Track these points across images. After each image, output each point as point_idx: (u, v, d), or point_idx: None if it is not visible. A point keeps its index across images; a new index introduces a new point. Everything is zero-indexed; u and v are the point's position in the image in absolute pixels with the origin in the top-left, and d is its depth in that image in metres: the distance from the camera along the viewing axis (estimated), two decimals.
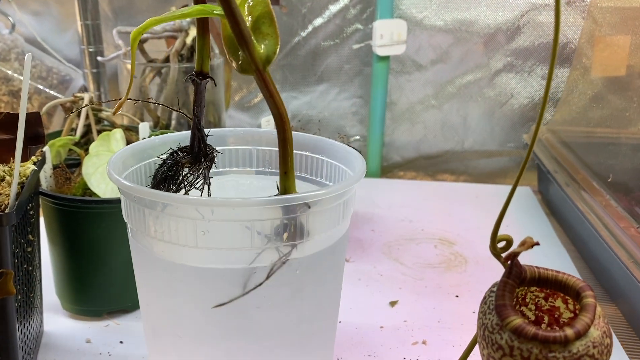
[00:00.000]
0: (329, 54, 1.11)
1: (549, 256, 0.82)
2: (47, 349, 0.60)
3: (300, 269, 0.41)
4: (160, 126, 0.88)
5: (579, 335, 0.32)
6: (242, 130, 0.55)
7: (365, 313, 0.68)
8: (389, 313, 0.68)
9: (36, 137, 0.50)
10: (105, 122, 0.82)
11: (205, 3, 0.39)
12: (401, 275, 0.77)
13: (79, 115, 0.78)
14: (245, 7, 0.39)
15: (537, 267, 0.37)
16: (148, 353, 0.49)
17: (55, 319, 0.65)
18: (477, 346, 0.41)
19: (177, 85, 0.88)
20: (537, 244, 0.34)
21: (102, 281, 0.63)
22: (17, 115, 0.48)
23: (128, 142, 0.72)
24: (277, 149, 0.51)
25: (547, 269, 0.37)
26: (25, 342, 0.52)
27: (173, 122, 0.90)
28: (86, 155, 0.68)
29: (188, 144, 0.53)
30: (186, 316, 0.42)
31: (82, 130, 0.76)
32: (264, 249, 0.40)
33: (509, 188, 1.06)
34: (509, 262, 0.36)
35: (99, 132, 0.78)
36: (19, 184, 0.49)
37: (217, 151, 0.45)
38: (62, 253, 0.63)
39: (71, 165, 0.70)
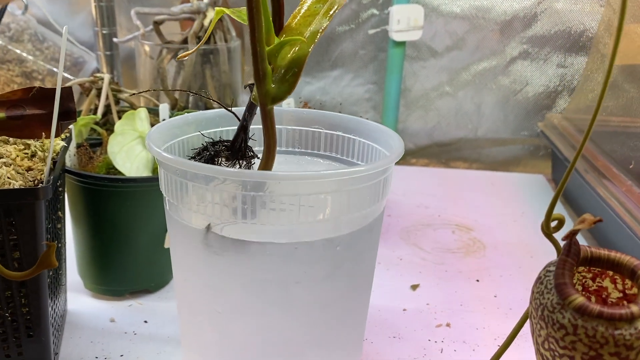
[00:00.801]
0: (343, 39, 1.10)
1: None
2: (72, 328, 0.59)
3: (341, 245, 0.41)
4: (178, 108, 0.87)
5: None
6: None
7: (387, 296, 0.68)
8: (411, 296, 0.68)
9: (68, 112, 0.49)
10: (124, 104, 0.81)
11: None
12: (421, 260, 0.77)
13: (98, 95, 0.77)
14: (293, 45, 0.40)
15: (588, 246, 0.37)
16: (180, 330, 0.49)
17: (78, 298, 0.65)
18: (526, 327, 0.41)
19: (194, 67, 0.87)
20: (601, 220, 0.34)
21: (125, 261, 0.63)
22: (49, 90, 0.48)
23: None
24: (304, 128, 0.54)
25: (598, 248, 0.37)
26: (54, 318, 0.52)
27: (190, 105, 0.89)
28: (108, 134, 0.68)
29: (218, 122, 0.53)
30: (226, 291, 0.42)
31: (103, 109, 0.75)
32: (308, 224, 0.39)
33: (523, 176, 1.07)
34: (567, 240, 0.35)
35: (118, 112, 0.78)
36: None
37: (257, 156, 0.45)
38: (85, 232, 0.63)
39: (93, 144, 0.69)
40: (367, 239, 0.44)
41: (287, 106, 0.79)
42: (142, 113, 0.65)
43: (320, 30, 0.40)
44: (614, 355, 0.31)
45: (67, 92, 0.49)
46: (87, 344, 0.57)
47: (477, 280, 0.72)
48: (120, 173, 0.62)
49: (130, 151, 0.62)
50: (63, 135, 0.56)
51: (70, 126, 0.63)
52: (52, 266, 0.38)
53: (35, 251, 0.44)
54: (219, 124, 0.53)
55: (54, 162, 0.49)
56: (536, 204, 0.96)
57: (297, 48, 0.39)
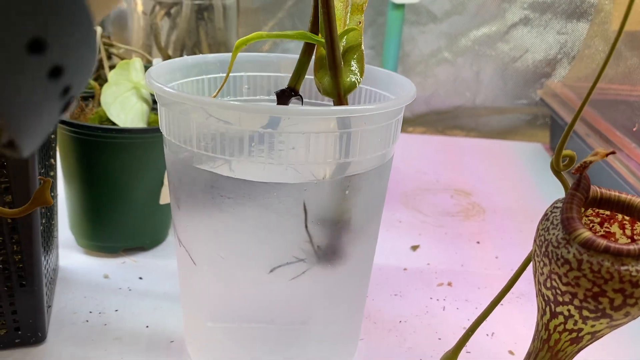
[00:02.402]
0: None
1: None
2: (65, 283, 0.57)
3: (350, 189, 0.40)
4: None
5: None
6: (260, 56, 0.52)
7: (387, 256, 0.66)
8: (411, 256, 0.67)
9: None
10: (116, 59, 0.78)
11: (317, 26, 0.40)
12: (420, 222, 0.75)
13: None
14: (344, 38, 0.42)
15: (598, 186, 0.36)
16: (180, 284, 0.47)
17: (70, 255, 0.63)
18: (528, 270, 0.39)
19: (189, 24, 0.84)
20: (614, 152, 0.33)
21: (119, 217, 0.61)
22: None
23: None
24: (307, 76, 0.51)
25: (608, 189, 0.36)
26: (47, 269, 0.50)
27: None
28: (100, 87, 0.65)
29: (220, 67, 0.51)
30: (231, 236, 0.40)
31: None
32: (317, 164, 0.38)
33: (521, 145, 1.06)
34: (577, 174, 0.34)
35: (110, 68, 0.75)
36: None
37: None
38: (77, 186, 0.60)
39: (84, 97, 0.67)
40: (376, 184, 0.42)
41: None
42: (137, 63, 0.62)
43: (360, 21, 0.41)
44: (618, 291, 0.30)
45: None
46: (80, 299, 0.55)
47: (478, 242, 0.71)
48: (113, 125, 0.60)
49: (124, 102, 0.60)
50: None
51: None
52: (47, 203, 0.36)
53: (28, 193, 0.42)
54: (220, 69, 0.51)
55: None
56: (535, 172, 0.95)
57: (349, 37, 0.40)
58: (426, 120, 1.13)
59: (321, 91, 0.41)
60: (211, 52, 0.86)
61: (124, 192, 0.60)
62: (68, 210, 0.64)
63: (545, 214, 0.34)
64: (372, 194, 0.42)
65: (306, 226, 0.39)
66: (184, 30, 0.84)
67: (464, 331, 0.54)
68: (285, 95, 0.43)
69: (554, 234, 0.33)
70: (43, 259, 0.47)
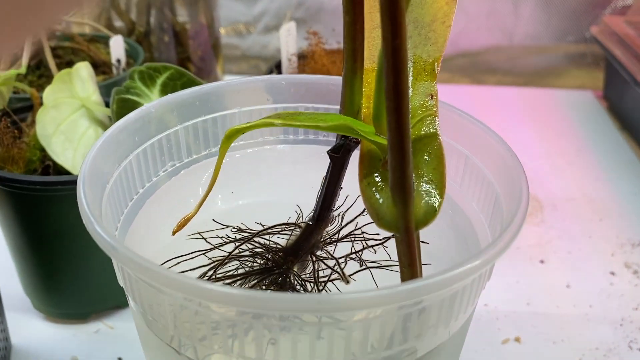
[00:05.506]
0: None
1: (632, 189, 0.66)
2: None
3: None
4: (136, 34, 0.65)
5: None
6: (258, 79, 0.35)
7: None
8: None
9: None
10: (59, 34, 0.59)
11: None
12: None
13: None
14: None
15: None
16: None
17: (27, 325, 0.48)
18: None
19: None
20: None
21: (82, 277, 0.46)
22: None
23: (95, 65, 0.52)
24: (317, 105, 0.35)
25: None
26: None
27: (152, 27, 0.67)
28: (39, 94, 0.48)
29: (199, 108, 0.34)
30: None
31: (31, 52, 0.54)
32: (371, 354, 0.22)
33: (568, 94, 0.88)
34: None
35: (54, 50, 0.57)
36: None
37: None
38: (23, 246, 0.45)
39: (20, 109, 0.49)
40: (459, 341, 0.27)
41: (286, 33, 0.58)
42: (83, 70, 0.44)
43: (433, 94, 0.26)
44: None
45: None
46: None
47: (542, 262, 0.57)
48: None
49: (71, 131, 0.43)
50: None
51: None
52: None
53: None
54: (200, 111, 0.34)
55: None
56: (592, 136, 0.79)
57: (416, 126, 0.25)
58: (453, 63, 0.95)
59: (374, 217, 0.24)
60: (187, 10, 0.67)
61: (84, 249, 0.45)
62: (18, 273, 0.48)
63: None
64: (452, 353, 0.27)
65: None
66: None
67: None
68: (345, 152, 0.26)
69: None
70: None
